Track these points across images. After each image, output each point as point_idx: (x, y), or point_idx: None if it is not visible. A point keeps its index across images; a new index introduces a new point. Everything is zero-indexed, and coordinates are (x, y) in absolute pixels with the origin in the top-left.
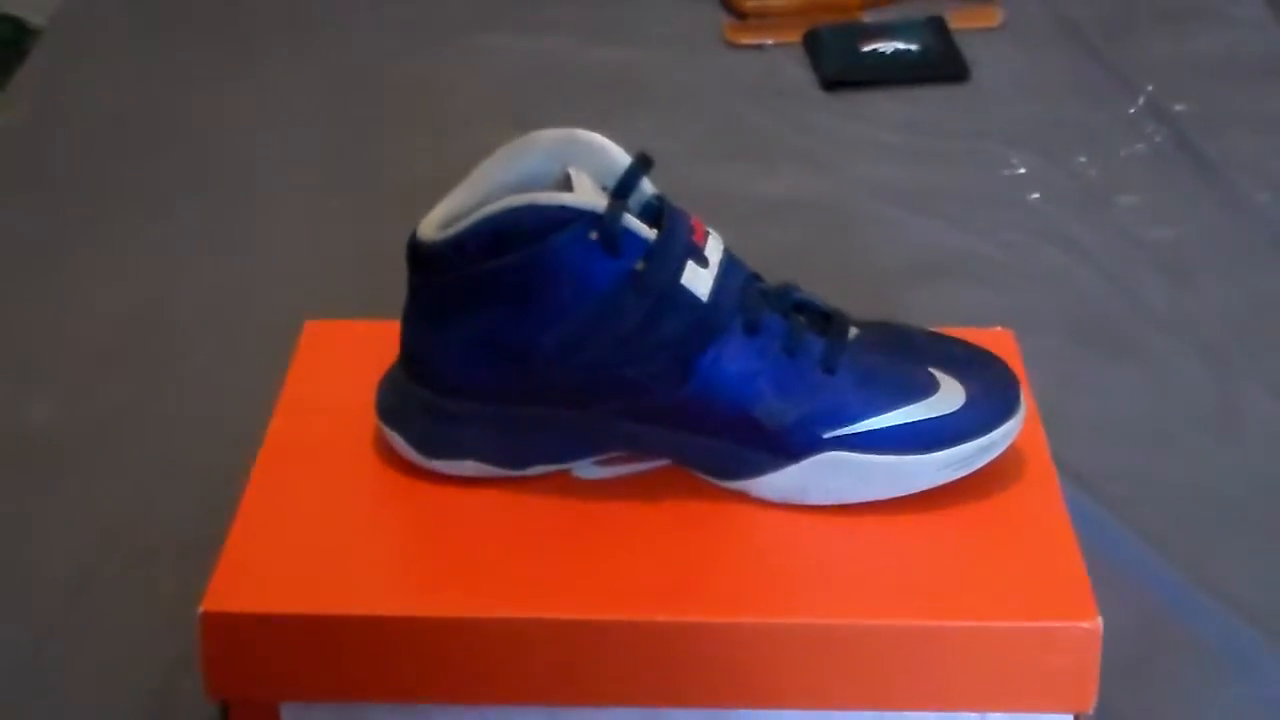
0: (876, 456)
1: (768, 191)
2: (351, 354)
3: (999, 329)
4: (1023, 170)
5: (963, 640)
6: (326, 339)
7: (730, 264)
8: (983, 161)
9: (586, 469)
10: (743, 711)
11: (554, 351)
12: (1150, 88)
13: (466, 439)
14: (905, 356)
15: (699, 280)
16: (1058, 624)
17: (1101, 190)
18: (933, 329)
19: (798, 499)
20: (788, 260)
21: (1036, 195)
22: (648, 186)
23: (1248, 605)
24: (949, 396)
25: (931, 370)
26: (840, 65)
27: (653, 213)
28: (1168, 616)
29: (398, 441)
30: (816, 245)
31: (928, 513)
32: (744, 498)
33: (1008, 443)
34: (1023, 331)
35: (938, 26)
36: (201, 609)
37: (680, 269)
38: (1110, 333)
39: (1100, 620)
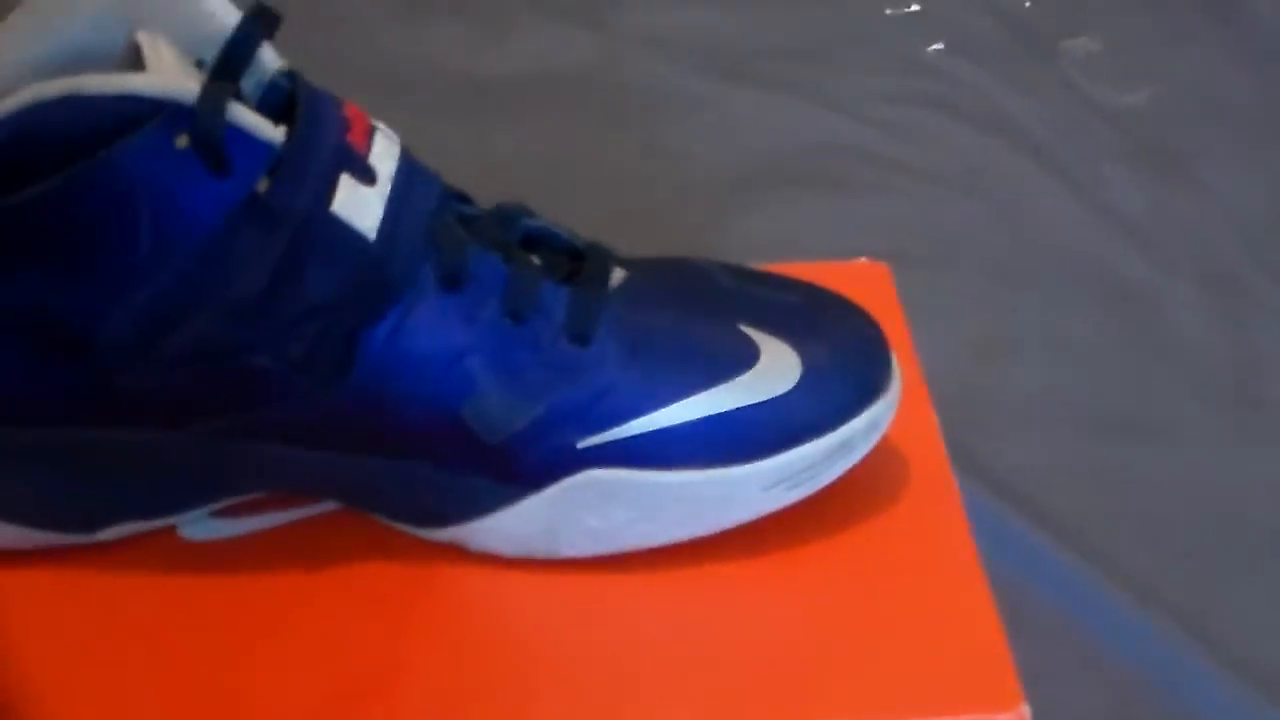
0: (665, 473)
1: (499, 66)
2: None
3: (864, 261)
4: (916, 6)
5: None
6: None
7: (412, 177)
8: None
9: (198, 525)
10: None
11: (128, 335)
12: None
13: None
14: (704, 310)
15: (361, 205)
16: (965, 718)
17: (1041, 33)
18: (754, 266)
19: (545, 550)
20: (532, 174)
21: (940, 46)
22: (270, 58)
23: (1242, 658)
24: (776, 370)
25: (746, 330)
26: None
27: (280, 101)
28: (1141, 686)
29: None
30: (580, 147)
31: (757, 561)
32: (460, 555)
33: (874, 439)
34: (909, 265)
35: None
36: None
37: (329, 189)
38: (1055, 259)
39: (1026, 709)
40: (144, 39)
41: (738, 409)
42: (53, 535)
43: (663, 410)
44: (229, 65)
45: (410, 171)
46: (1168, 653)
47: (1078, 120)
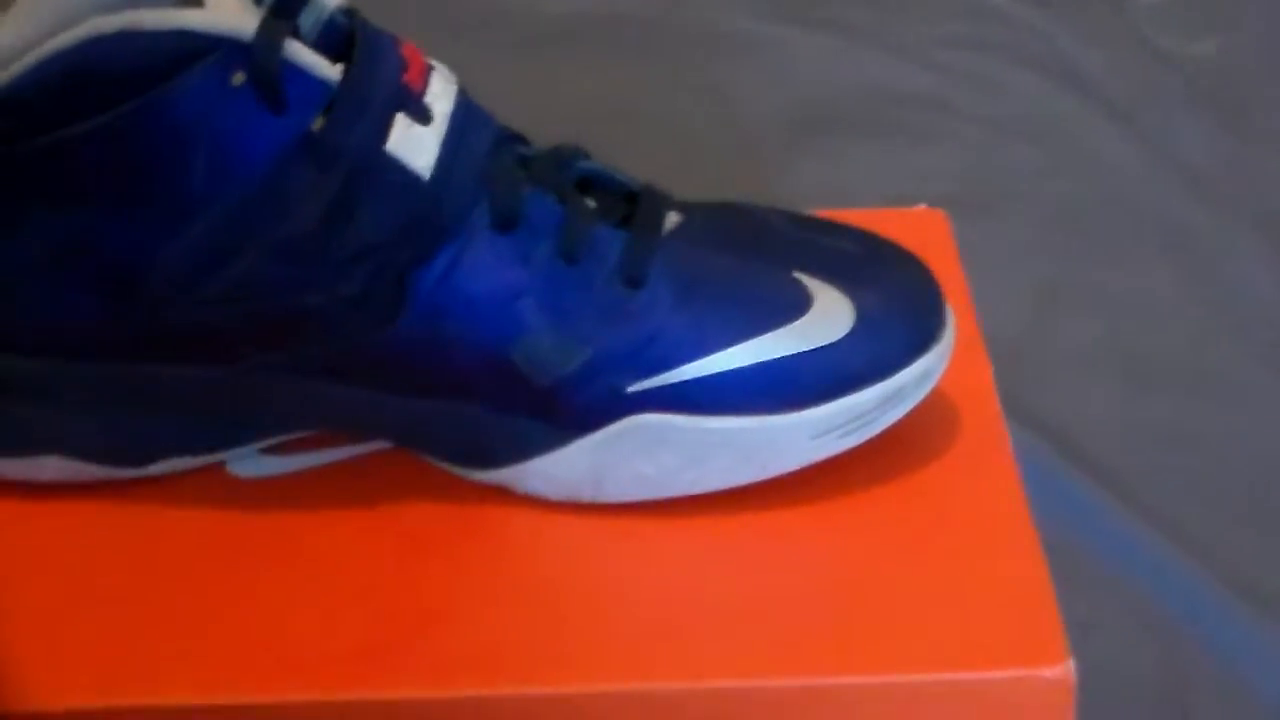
0: (715, 419)
1: (559, 7)
2: None
3: (922, 208)
4: None
5: (870, 704)
6: None
7: (469, 118)
8: None
9: (247, 462)
10: None
11: (182, 272)
12: None
13: (43, 422)
14: (758, 256)
15: (416, 145)
16: (1010, 673)
17: None
18: (810, 212)
19: (592, 493)
20: (589, 116)
21: None
22: None
23: None
24: (829, 317)
25: (799, 276)
26: None
27: (338, 39)
28: (1191, 643)
29: None
30: (638, 89)
31: (805, 509)
32: (507, 497)
33: (926, 388)
34: (968, 212)
35: None
36: None
37: (384, 128)
38: (1117, 209)
39: (1071, 665)
40: None
41: (789, 356)
42: (103, 469)
43: (713, 356)
44: (287, 2)
45: (466, 112)
46: (1219, 611)
47: (1145, 69)
